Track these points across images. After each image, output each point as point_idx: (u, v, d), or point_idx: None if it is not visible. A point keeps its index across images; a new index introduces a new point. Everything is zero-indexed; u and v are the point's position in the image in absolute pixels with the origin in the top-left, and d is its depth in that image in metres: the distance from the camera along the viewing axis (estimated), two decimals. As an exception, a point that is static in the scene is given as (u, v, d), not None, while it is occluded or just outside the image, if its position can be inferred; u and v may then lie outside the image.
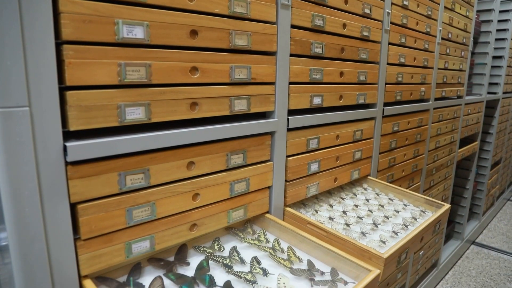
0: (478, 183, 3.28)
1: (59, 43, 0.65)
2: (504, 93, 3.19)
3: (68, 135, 0.70)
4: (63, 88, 0.67)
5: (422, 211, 1.32)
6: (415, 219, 1.25)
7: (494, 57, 2.99)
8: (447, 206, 1.30)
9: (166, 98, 0.81)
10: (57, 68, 0.65)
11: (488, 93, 3.04)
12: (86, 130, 0.73)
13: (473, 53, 2.87)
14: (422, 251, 2.18)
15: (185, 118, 0.86)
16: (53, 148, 0.66)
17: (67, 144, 0.67)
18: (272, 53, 1.04)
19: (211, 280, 0.82)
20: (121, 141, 0.74)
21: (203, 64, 0.87)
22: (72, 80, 0.67)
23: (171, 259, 0.90)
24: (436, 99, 2.06)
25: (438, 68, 2.00)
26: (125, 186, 0.77)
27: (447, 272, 2.66)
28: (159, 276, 0.79)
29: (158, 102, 0.79)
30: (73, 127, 0.68)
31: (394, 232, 1.13)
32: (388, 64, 1.55)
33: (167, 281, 0.81)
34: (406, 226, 1.18)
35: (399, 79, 1.65)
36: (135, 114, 0.76)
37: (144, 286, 0.79)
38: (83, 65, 0.68)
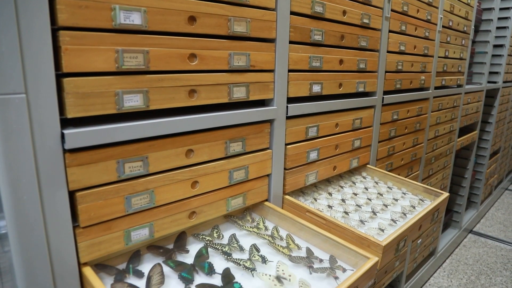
0: (476, 172, 3.29)
1: (55, 29, 0.64)
2: (504, 82, 3.17)
3: (66, 123, 0.70)
4: (60, 75, 0.66)
5: (420, 199, 1.33)
6: (414, 207, 1.25)
7: (495, 46, 2.97)
8: (445, 194, 1.30)
9: (164, 85, 0.80)
10: (53, 55, 0.64)
11: (488, 82, 3.03)
12: (84, 118, 0.72)
13: (473, 42, 2.85)
14: (420, 240, 2.20)
15: (183, 106, 0.85)
16: (50, 135, 0.65)
17: (65, 131, 0.66)
18: (271, 40, 1.03)
19: (210, 267, 0.82)
20: (119, 129, 0.73)
21: (201, 51, 0.86)
22: (69, 66, 0.66)
23: (171, 246, 0.91)
24: (436, 88, 2.05)
25: (439, 57, 1.99)
26: (124, 173, 0.77)
27: (445, 260, 2.68)
28: (159, 264, 0.80)
29: (156, 89, 0.79)
30: (70, 114, 0.67)
31: (392, 220, 1.14)
32: (388, 52, 1.54)
33: (166, 269, 0.81)
34: (404, 214, 1.18)
35: (399, 67, 1.64)
36: (133, 102, 0.75)
37: (143, 273, 0.80)
38: (80, 51, 0.67)
